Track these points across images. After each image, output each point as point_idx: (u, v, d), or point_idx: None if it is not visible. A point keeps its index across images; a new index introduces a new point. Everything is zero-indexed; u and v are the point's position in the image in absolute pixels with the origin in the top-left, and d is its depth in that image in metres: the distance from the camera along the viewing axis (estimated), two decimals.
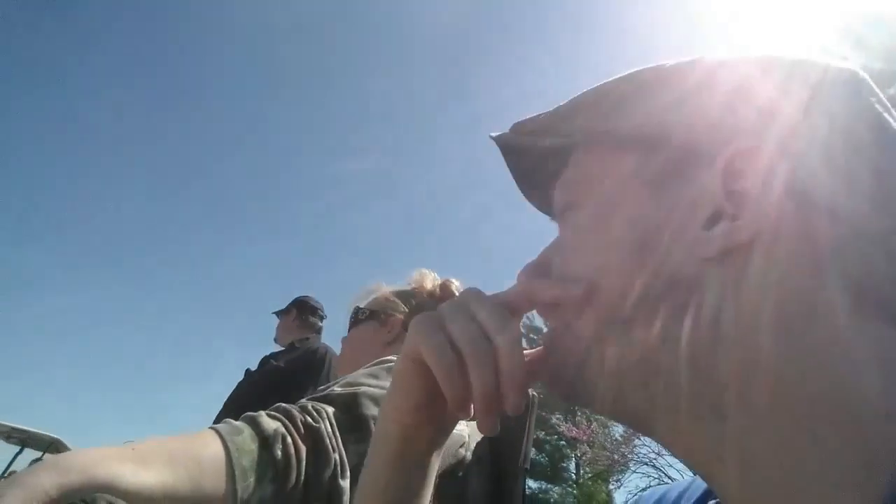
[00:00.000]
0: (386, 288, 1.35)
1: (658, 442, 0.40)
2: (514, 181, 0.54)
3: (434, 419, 0.46)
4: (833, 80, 0.38)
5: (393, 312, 1.29)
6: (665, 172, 0.39)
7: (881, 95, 0.38)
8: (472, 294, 0.44)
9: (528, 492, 1.23)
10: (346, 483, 0.76)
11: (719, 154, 0.37)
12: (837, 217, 0.34)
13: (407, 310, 1.30)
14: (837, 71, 0.38)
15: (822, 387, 0.31)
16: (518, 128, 0.49)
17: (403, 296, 1.32)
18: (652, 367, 0.36)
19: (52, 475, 0.50)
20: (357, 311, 1.32)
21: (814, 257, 0.34)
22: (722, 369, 0.34)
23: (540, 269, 0.45)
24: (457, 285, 1.34)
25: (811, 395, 0.31)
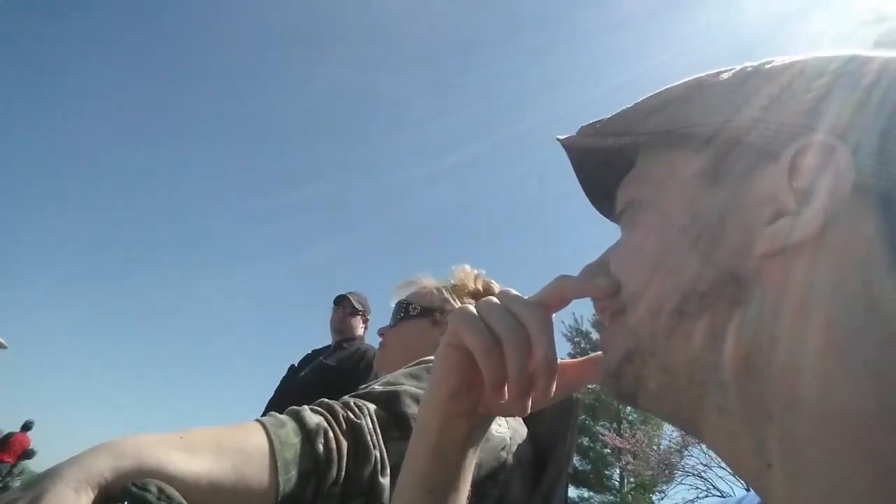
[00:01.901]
0: (431, 281, 1.32)
1: (702, 441, 0.40)
2: (581, 187, 0.55)
3: (469, 411, 0.49)
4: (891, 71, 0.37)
5: (447, 313, 1.25)
6: (729, 170, 0.39)
7: None
8: (506, 291, 0.48)
9: (569, 499, 1.20)
10: (385, 481, 0.75)
11: (784, 151, 0.37)
12: None
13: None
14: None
15: (879, 396, 0.29)
16: (583, 130, 0.50)
17: (455, 294, 1.29)
18: (702, 363, 0.36)
19: (108, 458, 0.52)
20: (407, 305, 1.27)
21: (878, 256, 0.33)
22: (774, 370, 0.33)
23: (597, 269, 0.46)
24: (497, 287, 1.33)
25: (866, 405, 0.29)
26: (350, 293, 2.99)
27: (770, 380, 0.33)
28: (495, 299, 0.48)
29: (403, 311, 1.26)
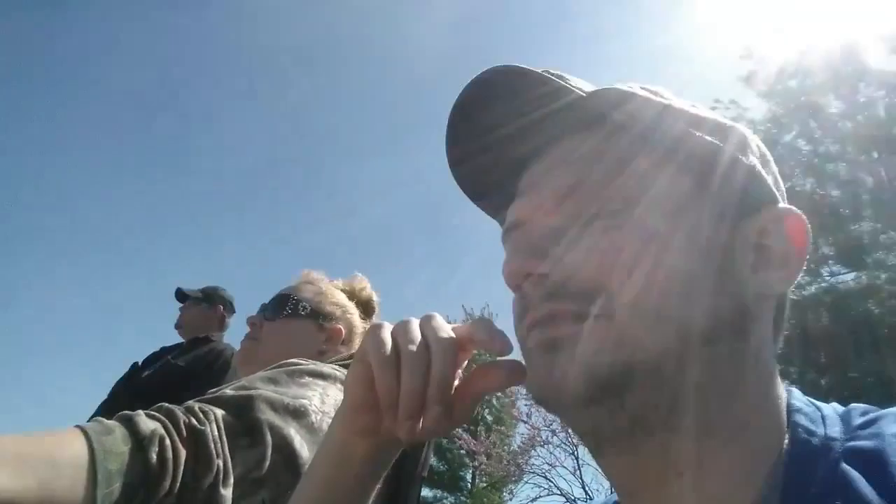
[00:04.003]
0: (325, 282, 1.24)
1: (599, 457, 0.42)
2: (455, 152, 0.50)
3: (372, 430, 0.47)
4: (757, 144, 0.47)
5: (336, 320, 1.18)
6: (725, 205, 0.42)
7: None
8: (429, 314, 0.47)
9: (422, 499, 1.22)
10: (227, 492, 0.70)
11: (764, 206, 0.43)
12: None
13: (352, 320, 1.20)
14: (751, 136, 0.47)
15: (767, 413, 0.40)
16: (545, 70, 0.44)
17: (347, 298, 1.24)
18: (709, 388, 0.39)
19: None
20: (297, 302, 1.16)
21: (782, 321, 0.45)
22: (749, 398, 0.40)
23: (531, 251, 0.42)
24: (376, 303, 1.31)
25: (753, 418, 0.39)
26: (208, 288, 2.74)
27: (746, 404, 0.39)
28: (415, 319, 0.46)
29: (291, 307, 1.15)
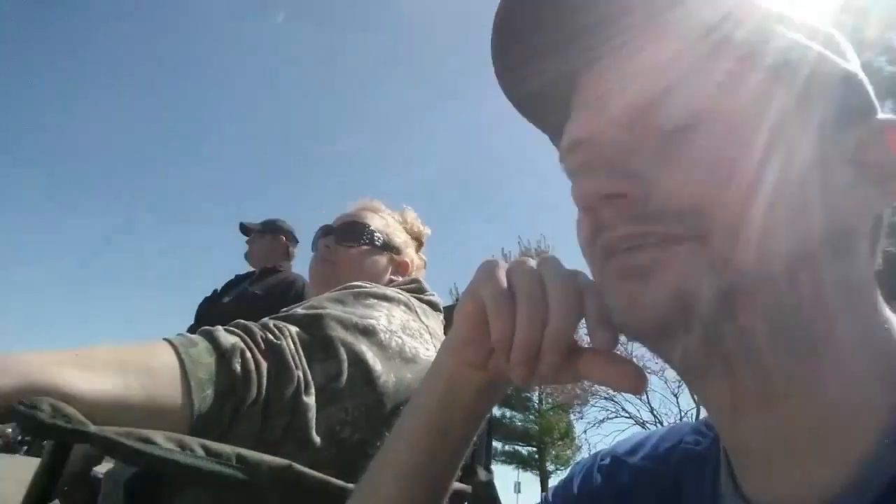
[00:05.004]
0: (386, 212, 1.30)
1: (691, 383, 0.40)
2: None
3: (483, 362, 0.46)
4: None
5: (405, 253, 1.25)
6: (825, 115, 0.37)
7: None
8: (546, 256, 0.45)
9: (491, 415, 1.29)
10: (310, 400, 0.74)
11: (864, 117, 0.38)
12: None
13: (411, 254, 1.27)
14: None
15: (875, 335, 0.36)
16: None
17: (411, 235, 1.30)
18: (756, 304, 0.35)
19: None
20: (372, 232, 1.21)
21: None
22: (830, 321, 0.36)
23: (613, 170, 0.37)
24: (428, 233, 1.37)
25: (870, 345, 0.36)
26: (267, 221, 2.82)
27: (851, 326, 0.36)
28: (531, 260, 0.44)
29: (369, 237, 1.20)
